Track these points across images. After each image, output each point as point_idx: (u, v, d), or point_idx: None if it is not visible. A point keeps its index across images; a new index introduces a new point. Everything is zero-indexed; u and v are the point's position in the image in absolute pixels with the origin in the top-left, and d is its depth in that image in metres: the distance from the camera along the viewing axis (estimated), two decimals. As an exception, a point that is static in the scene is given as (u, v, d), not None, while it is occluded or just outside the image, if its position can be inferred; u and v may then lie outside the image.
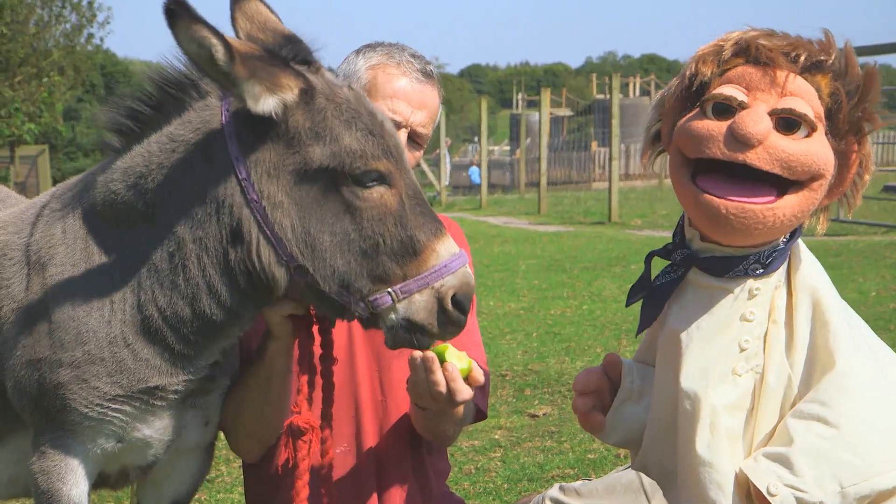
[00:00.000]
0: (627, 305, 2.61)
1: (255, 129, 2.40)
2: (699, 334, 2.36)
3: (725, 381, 2.32)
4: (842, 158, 2.31)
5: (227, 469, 5.77)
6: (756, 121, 2.20)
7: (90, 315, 2.52)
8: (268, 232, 2.39)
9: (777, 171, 2.21)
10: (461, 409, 2.75)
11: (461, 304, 2.42)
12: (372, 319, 2.46)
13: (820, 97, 2.26)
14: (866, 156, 2.35)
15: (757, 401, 2.32)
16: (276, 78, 2.34)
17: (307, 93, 2.38)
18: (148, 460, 2.71)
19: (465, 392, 2.56)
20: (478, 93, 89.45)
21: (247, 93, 2.30)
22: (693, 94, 2.36)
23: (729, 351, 2.33)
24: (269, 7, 2.62)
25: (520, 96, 53.23)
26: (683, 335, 2.37)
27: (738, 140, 2.21)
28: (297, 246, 2.40)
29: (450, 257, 2.42)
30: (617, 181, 20.01)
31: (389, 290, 2.40)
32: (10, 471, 2.83)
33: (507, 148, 50.05)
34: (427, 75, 3.00)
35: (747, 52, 2.30)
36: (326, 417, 2.74)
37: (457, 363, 2.56)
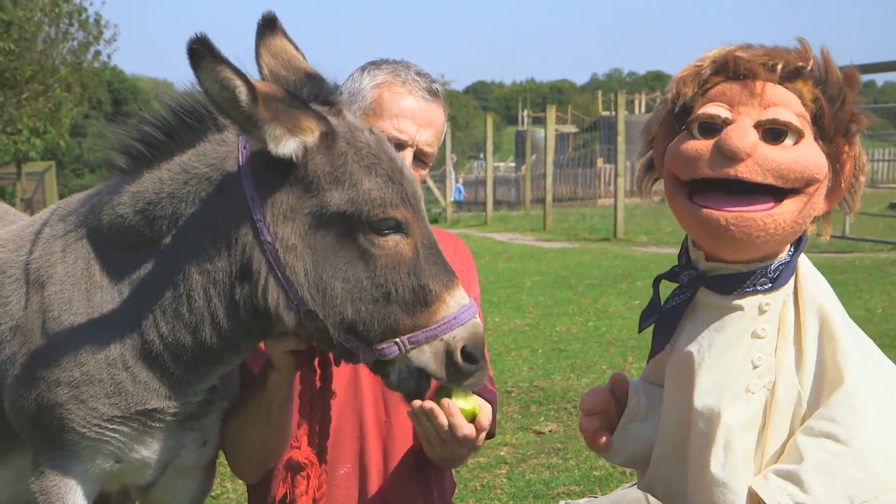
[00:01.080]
0: (640, 331, 2.59)
1: (272, 170, 2.37)
2: (711, 353, 2.34)
3: (739, 400, 2.30)
4: (834, 162, 2.30)
5: (233, 486, 5.75)
6: (742, 134, 2.19)
7: (90, 336, 2.51)
8: (279, 275, 2.37)
9: (770, 181, 2.21)
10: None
11: (472, 355, 2.40)
12: (379, 365, 2.44)
13: (803, 103, 2.26)
14: (858, 156, 2.35)
15: (767, 418, 2.31)
16: (298, 120, 2.31)
17: (328, 136, 2.36)
18: (147, 480, 2.70)
19: (464, 427, 2.53)
20: (483, 109, 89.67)
21: (268, 135, 2.28)
22: (678, 116, 2.36)
23: (742, 369, 2.31)
24: (293, 43, 2.60)
25: (525, 113, 53.27)
26: (695, 355, 2.35)
27: (727, 156, 2.20)
28: (308, 291, 2.37)
29: (459, 309, 2.40)
30: (622, 198, 20.01)
31: (397, 340, 2.38)
32: (9, 490, 2.82)
33: (513, 164, 50.12)
34: (433, 94, 3.00)
35: (726, 68, 2.30)
36: (321, 453, 2.71)
37: (463, 404, 2.54)
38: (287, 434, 2.78)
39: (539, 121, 39.35)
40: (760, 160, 2.20)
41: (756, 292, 2.32)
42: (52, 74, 28.85)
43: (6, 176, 30.28)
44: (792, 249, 2.35)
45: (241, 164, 2.40)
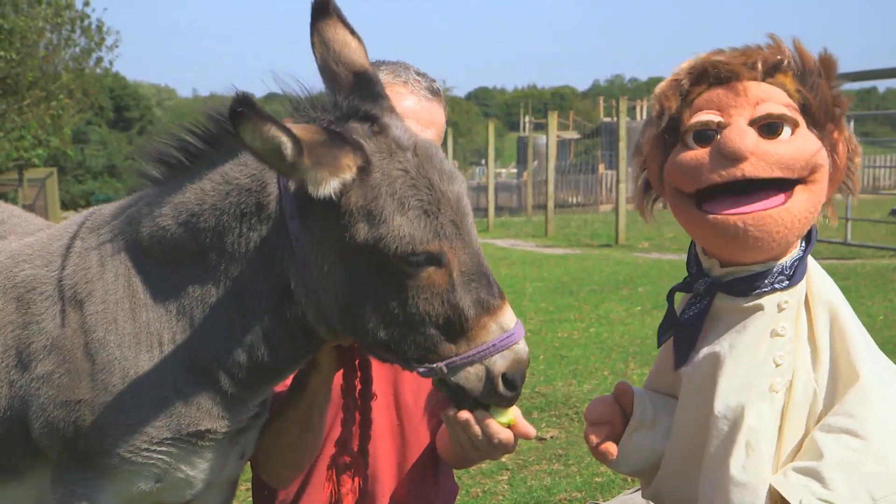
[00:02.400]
0: (659, 346, 2.58)
1: (306, 195, 2.31)
2: (732, 355, 2.32)
3: (764, 399, 2.29)
4: (828, 146, 2.32)
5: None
6: (741, 135, 2.20)
7: (138, 356, 2.45)
8: (313, 297, 2.36)
9: (778, 174, 2.21)
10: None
11: (512, 382, 2.36)
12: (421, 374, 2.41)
13: (789, 95, 2.28)
14: (848, 138, 2.36)
15: (785, 416, 2.31)
16: (338, 160, 2.25)
17: (364, 169, 2.29)
18: (185, 498, 2.65)
19: (500, 433, 2.47)
20: (485, 116, 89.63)
21: (310, 180, 2.23)
22: (668, 132, 2.37)
23: (764, 368, 2.30)
24: (348, 27, 2.52)
25: (527, 119, 53.29)
26: (716, 359, 2.34)
27: (730, 158, 2.21)
28: (338, 315, 2.36)
29: (502, 335, 2.34)
30: (624, 204, 20.00)
31: (435, 365, 2.33)
32: None
33: (515, 171, 50.16)
34: (434, 93, 3.01)
35: (706, 74, 2.31)
36: (363, 453, 2.72)
37: (500, 417, 2.47)
38: (322, 436, 2.79)
39: (541, 127, 39.39)
40: (763, 156, 2.21)
41: (774, 290, 2.32)
42: (54, 81, 28.91)
43: (8, 182, 30.34)
44: (804, 244, 2.35)
45: (280, 186, 2.38)
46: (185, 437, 2.48)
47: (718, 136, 2.24)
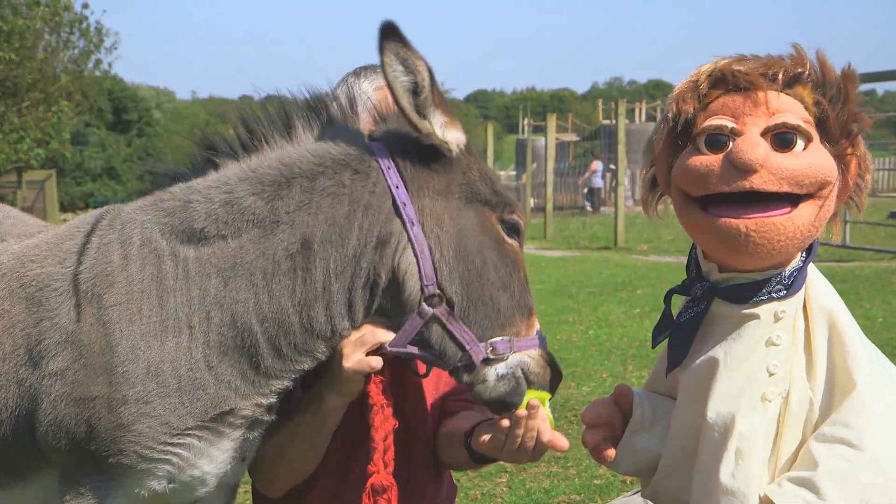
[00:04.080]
0: (654, 346, 2.58)
1: (414, 154, 2.52)
2: (727, 362, 2.32)
3: (756, 408, 2.29)
4: (840, 163, 2.31)
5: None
6: (753, 146, 2.19)
7: (165, 343, 2.43)
8: (415, 248, 2.45)
9: (786, 189, 2.20)
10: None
11: (559, 372, 2.63)
12: (467, 368, 2.49)
13: (806, 108, 2.26)
14: (862, 156, 2.35)
15: (781, 426, 2.30)
16: (454, 117, 2.52)
17: (468, 144, 2.57)
18: (194, 498, 2.63)
19: (547, 432, 2.55)
20: (484, 118, 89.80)
21: (435, 122, 2.46)
22: (681, 133, 2.36)
23: (758, 377, 2.30)
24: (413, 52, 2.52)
25: (526, 122, 53.18)
26: (711, 365, 2.34)
27: (740, 169, 2.19)
28: (447, 262, 2.47)
29: (541, 333, 2.60)
30: (623, 206, 20.02)
31: (510, 338, 2.49)
32: None
33: (514, 173, 50.06)
34: None
35: (725, 81, 2.30)
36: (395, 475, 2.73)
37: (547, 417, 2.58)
38: (323, 454, 2.82)
39: (540, 129, 39.32)
40: (774, 169, 2.19)
41: (772, 300, 2.31)
42: (52, 83, 28.93)
43: (7, 184, 30.34)
44: (804, 255, 2.35)
45: (378, 149, 2.53)
46: (207, 423, 2.46)
47: (731, 144, 2.23)
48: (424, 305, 2.44)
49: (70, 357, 2.44)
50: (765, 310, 2.31)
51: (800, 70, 2.28)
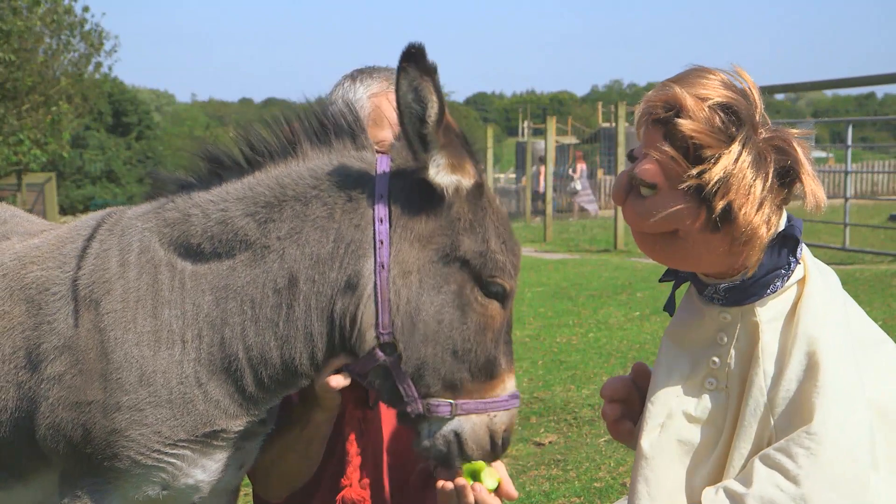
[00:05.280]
0: (661, 281, 2.60)
1: (411, 195, 2.42)
2: (681, 338, 2.46)
3: (691, 391, 2.40)
4: (693, 199, 2.22)
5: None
6: (617, 184, 2.33)
7: (157, 354, 2.45)
8: (379, 296, 2.38)
9: (639, 227, 2.32)
10: None
11: (506, 442, 2.51)
12: (416, 419, 2.47)
13: (675, 140, 2.21)
14: (734, 172, 2.19)
15: (731, 425, 2.35)
16: (463, 160, 2.42)
17: (479, 187, 2.45)
18: None
19: (490, 501, 2.54)
20: (484, 121, 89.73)
21: (433, 160, 2.37)
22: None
23: (700, 363, 2.41)
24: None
25: (526, 124, 53.12)
26: (671, 338, 2.48)
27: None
28: (402, 318, 2.39)
29: (510, 394, 2.50)
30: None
31: (452, 401, 2.43)
32: None
33: (513, 176, 50.07)
34: None
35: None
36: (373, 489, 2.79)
37: (489, 482, 2.54)
38: (318, 463, 2.84)
39: (539, 132, 39.28)
40: (626, 207, 2.33)
41: (713, 304, 2.40)
42: (52, 86, 28.92)
43: (7, 187, 30.31)
44: (745, 275, 2.32)
45: (378, 175, 2.44)
46: (199, 438, 2.48)
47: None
48: (378, 351, 2.43)
49: (67, 362, 2.46)
50: (710, 311, 2.40)
51: (669, 113, 2.23)
